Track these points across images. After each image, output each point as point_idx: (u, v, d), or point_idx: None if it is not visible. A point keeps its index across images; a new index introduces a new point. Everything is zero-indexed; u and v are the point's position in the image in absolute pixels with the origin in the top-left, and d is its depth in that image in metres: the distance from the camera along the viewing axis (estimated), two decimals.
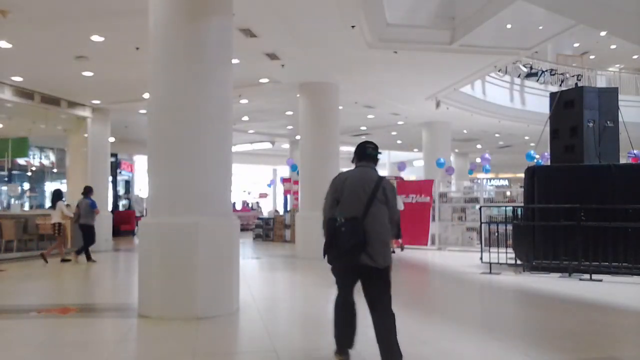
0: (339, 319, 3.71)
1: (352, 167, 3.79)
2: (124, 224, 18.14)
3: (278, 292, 7.40)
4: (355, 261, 3.43)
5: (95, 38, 7.95)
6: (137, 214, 19.18)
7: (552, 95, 9.63)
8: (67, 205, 10.76)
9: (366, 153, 3.74)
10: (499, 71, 13.90)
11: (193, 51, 5.45)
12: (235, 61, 6.79)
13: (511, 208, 9.90)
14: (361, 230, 3.40)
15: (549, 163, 9.91)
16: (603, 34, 17.23)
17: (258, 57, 9.17)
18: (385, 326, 3.55)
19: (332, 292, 3.96)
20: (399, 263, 10.20)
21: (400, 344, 3.55)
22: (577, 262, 7.90)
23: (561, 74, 17.22)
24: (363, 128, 18.01)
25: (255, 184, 29.73)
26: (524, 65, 15.75)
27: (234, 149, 8.82)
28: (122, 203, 20.65)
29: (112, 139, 14.31)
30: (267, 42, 8.42)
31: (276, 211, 20.30)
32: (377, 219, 3.47)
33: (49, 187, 19.01)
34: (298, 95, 11.51)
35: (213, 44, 5.56)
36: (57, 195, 10.73)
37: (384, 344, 3.52)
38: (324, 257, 3.60)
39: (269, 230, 16.53)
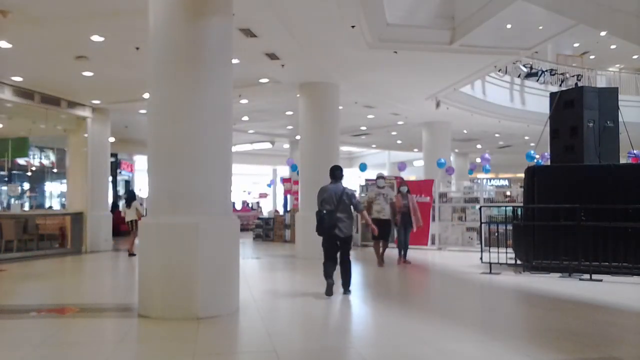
0: (326, 268, 6.48)
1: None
2: (124, 224, 18.09)
3: (278, 292, 7.40)
4: (332, 232, 6.35)
5: (95, 38, 7.95)
6: None
7: (552, 95, 9.63)
8: (141, 204, 11.67)
9: (335, 174, 6.63)
10: (499, 71, 13.90)
11: (193, 51, 5.45)
12: (235, 61, 6.80)
13: (511, 208, 9.90)
14: (335, 217, 6.33)
15: (549, 163, 9.91)
16: (603, 34, 17.22)
17: (258, 57, 9.17)
18: (346, 266, 6.55)
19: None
20: (399, 262, 10.19)
21: (400, 344, 4.44)
22: (577, 262, 7.90)
23: (561, 74, 17.22)
24: (363, 128, 18.02)
25: (255, 184, 29.75)
26: (524, 65, 15.75)
27: (234, 149, 8.83)
28: (122, 203, 20.62)
29: (112, 139, 14.31)
30: (267, 42, 8.41)
31: (276, 211, 20.29)
32: (343, 211, 6.42)
33: (49, 187, 19.01)
34: (298, 95, 11.50)
35: (213, 44, 5.56)
36: (133, 195, 12.00)
37: (345, 274, 6.54)
38: (316, 231, 6.41)
39: (269, 230, 16.53)
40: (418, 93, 12.45)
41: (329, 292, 6.34)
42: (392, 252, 10.53)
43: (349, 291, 6.55)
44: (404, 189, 10.21)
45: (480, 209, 10.28)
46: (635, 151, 13.95)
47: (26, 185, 18.06)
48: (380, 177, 10.09)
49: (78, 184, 12.84)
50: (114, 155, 17.48)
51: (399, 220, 9.88)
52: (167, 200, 5.41)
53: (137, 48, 8.17)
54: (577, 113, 8.87)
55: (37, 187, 18.52)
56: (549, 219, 8.30)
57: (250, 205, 25.56)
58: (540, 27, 9.46)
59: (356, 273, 9.07)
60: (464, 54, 9.34)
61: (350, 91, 11.80)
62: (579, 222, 7.87)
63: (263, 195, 27.47)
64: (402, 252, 9.99)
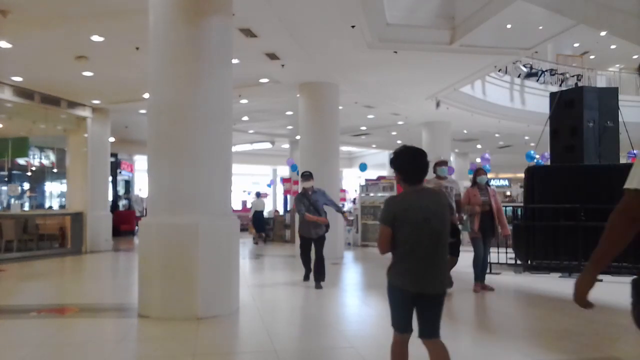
0: (305, 260, 7.68)
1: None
2: (124, 224, 18.14)
3: (278, 292, 7.40)
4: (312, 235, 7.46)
5: (95, 38, 7.95)
6: (137, 214, 19.17)
7: (552, 95, 9.63)
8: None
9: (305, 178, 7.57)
10: (499, 71, 13.88)
11: (193, 51, 5.45)
12: (235, 61, 6.79)
13: (511, 208, 9.90)
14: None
15: (549, 163, 9.91)
16: (603, 34, 17.20)
17: (258, 57, 9.16)
18: (321, 259, 7.34)
19: (331, 292, 6.98)
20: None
21: None
22: (577, 262, 7.90)
23: (561, 74, 17.22)
24: (363, 128, 18.02)
25: (255, 184, 29.71)
26: (524, 65, 15.74)
27: (234, 149, 8.82)
28: (122, 203, 20.64)
29: (112, 139, 14.31)
30: (267, 42, 8.41)
31: (276, 211, 20.28)
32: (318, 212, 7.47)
33: (49, 187, 18.99)
34: (298, 95, 11.50)
35: (213, 44, 5.56)
36: None
37: (320, 269, 7.29)
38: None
39: (269, 230, 16.53)
40: (418, 93, 12.45)
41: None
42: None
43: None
44: (483, 179, 7.09)
45: None
46: (635, 151, 13.95)
47: (26, 185, 18.03)
48: (442, 162, 7.02)
49: (78, 184, 12.83)
50: (114, 155, 17.47)
51: (460, 218, 7.03)
52: (167, 200, 5.41)
53: (137, 48, 8.17)
54: (577, 113, 8.87)
55: (37, 187, 18.49)
56: (549, 219, 8.30)
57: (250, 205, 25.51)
58: (540, 27, 9.45)
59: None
60: (464, 54, 9.33)
61: (350, 91, 11.80)
62: (579, 222, 7.87)
63: (263, 196, 27.45)
64: (480, 273, 7.09)
